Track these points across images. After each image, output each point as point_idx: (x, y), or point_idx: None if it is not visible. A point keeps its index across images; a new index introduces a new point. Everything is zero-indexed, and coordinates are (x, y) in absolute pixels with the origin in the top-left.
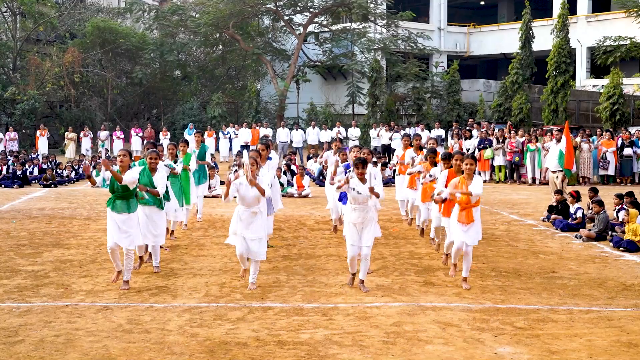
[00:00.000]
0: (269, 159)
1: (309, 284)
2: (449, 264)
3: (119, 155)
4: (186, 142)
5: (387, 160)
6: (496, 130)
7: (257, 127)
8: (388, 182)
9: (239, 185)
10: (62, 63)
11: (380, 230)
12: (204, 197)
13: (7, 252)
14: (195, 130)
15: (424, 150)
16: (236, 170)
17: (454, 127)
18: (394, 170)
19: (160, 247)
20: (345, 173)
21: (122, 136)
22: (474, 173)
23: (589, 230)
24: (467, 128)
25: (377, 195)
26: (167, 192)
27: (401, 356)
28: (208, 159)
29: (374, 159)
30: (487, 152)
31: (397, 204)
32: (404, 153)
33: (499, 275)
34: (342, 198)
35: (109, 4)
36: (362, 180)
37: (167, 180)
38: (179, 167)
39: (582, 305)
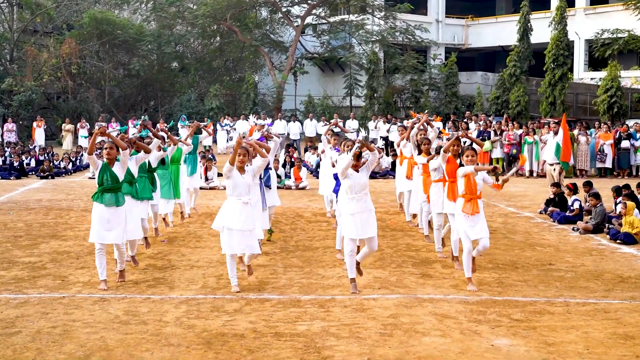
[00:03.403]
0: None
1: (306, 276)
2: (448, 256)
3: (106, 148)
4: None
5: (385, 152)
6: (494, 122)
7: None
8: (386, 174)
9: (231, 172)
10: (59, 54)
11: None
12: (200, 188)
13: (4, 244)
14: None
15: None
16: (243, 136)
17: (451, 120)
18: (393, 163)
19: (156, 236)
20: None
21: (118, 128)
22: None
23: (586, 222)
24: (465, 120)
25: (372, 149)
26: (154, 182)
27: (398, 348)
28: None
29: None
30: (486, 145)
31: (394, 196)
32: (399, 141)
33: (496, 267)
34: (337, 187)
35: None
36: (357, 171)
37: (156, 171)
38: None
39: (579, 297)
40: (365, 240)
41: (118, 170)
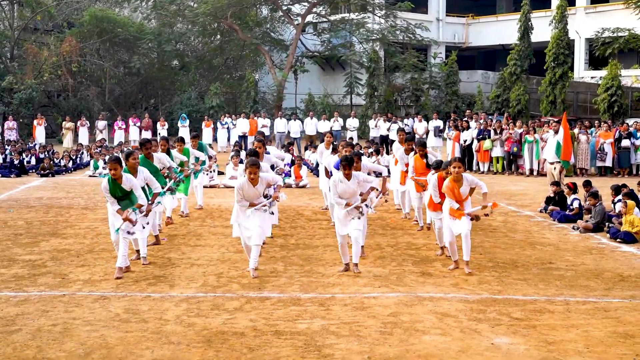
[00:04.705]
0: (267, 152)
1: (307, 274)
2: (444, 254)
3: (110, 170)
4: (182, 141)
5: (385, 151)
6: (494, 121)
7: (255, 118)
8: None
9: (241, 188)
10: (60, 52)
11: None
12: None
13: (5, 242)
14: (188, 121)
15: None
16: (233, 156)
17: (452, 118)
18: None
19: (157, 237)
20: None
21: (124, 126)
22: (462, 176)
23: (586, 221)
24: (465, 119)
25: (366, 197)
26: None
27: (398, 346)
28: (205, 159)
29: (371, 150)
30: (487, 143)
31: (392, 194)
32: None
33: (496, 266)
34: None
35: None
36: (348, 177)
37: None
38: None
39: (579, 296)
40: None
41: (126, 185)
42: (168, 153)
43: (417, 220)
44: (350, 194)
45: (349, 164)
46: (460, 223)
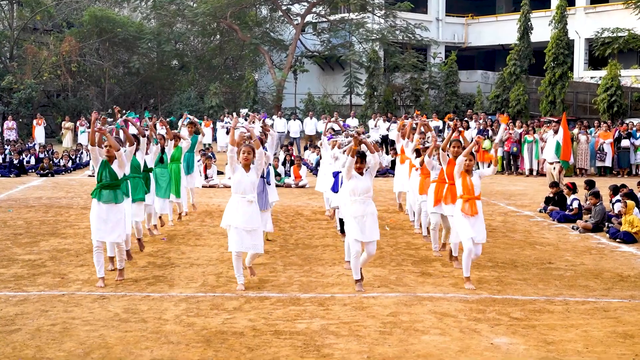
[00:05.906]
0: (264, 149)
1: (306, 274)
2: (444, 255)
3: (106, 146)
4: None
5: (385, 151)
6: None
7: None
8: (386, 172)
9: (236, 166)
10: (59, 52)
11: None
12: (202, 186)
13: (4, 241)
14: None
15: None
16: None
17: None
18: (393, 161)
19: (140, 240)
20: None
21: (124, 126)
22: (473, 168)
23: (586, 221)
24: (465, 119)
25: (372, 150)
26: (148, 183)
27: (397, 346)
28: (196, 148)
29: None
30: (486, 143)
31: (393, 195)
32: (399, 137)
33: (495, 266)
34: (335, 186)
35: None
36: (361, 174)
37: (154, 171)
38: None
39: (578, 296)
40: (365, 243)
41: (117, 168)
42: (162, 151)
43: (417, 227)
44: (363, 189)
45: (361, 157)
46: (476, 229)
